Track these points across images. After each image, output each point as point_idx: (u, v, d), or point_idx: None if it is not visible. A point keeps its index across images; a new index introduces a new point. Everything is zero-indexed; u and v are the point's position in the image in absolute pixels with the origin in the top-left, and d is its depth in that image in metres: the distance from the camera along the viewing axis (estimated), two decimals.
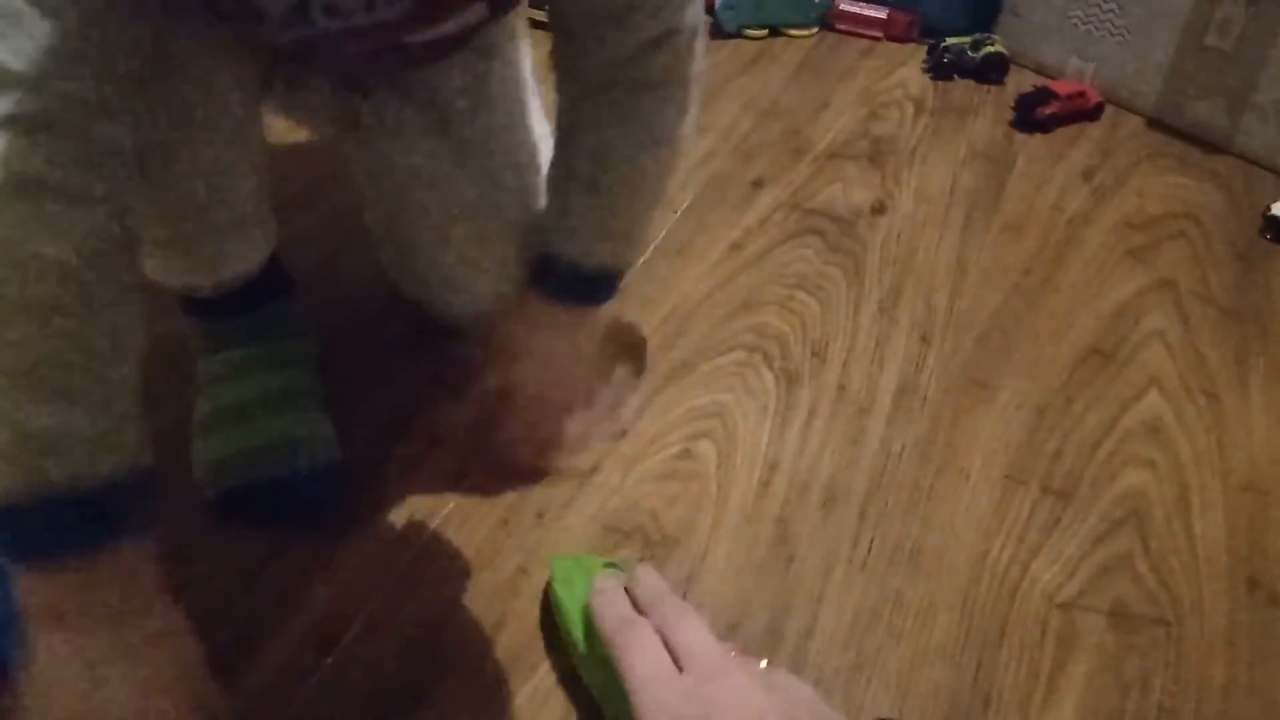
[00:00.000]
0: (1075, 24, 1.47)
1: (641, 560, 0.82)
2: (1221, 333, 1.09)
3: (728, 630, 0.79)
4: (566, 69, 0.81)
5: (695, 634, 0.66)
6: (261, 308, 0.88)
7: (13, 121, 0.56)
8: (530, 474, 0.88)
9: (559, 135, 0.84)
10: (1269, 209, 1.23)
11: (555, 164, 0.85)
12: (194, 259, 0.81)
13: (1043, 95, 1.40)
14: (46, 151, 0.57)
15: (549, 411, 0.88)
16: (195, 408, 0.87)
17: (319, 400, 0.89)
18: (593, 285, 0.87)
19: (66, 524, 0.58)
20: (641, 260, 1.11)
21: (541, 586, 0.80)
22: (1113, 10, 1.43)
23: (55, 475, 0.57)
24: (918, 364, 1.03)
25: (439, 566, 0.81)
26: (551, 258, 0.86)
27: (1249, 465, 0.95)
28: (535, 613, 0.79)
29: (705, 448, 0.93)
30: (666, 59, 0.78)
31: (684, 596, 0.80)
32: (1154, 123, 1.43)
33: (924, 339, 1.06)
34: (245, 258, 0.83)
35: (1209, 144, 1.38)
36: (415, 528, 0.84)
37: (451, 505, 0.86)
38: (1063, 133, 1.40)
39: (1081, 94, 1.41)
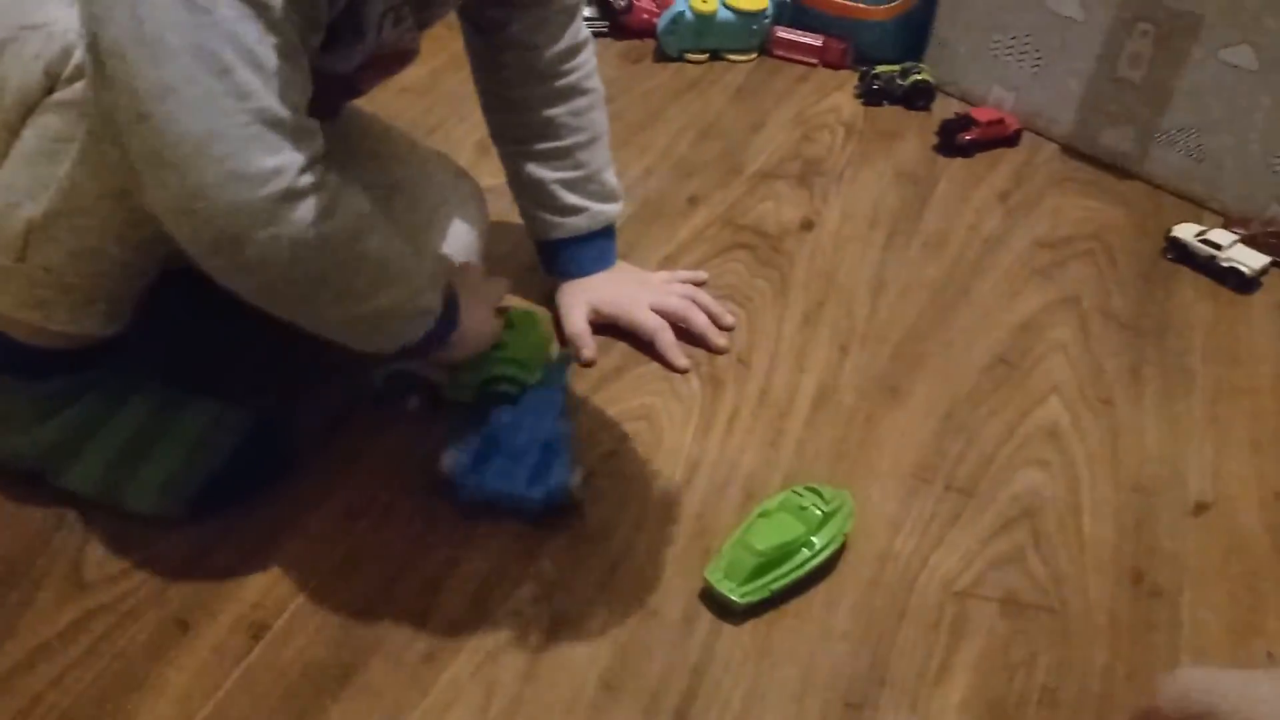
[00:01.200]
0: (997, 55, 1.54)
1: (568, 546, 0.87)
2: (1120, 346, 1.15)
3: (646, 615, 0.83)
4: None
5: None
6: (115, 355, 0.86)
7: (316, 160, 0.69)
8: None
9: (499, 138, 1.06)
10: (1171, 231, 1.30)
11: (512, 168, 1.07)
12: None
13: (964, 122, 1.47)
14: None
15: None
16: (77, 476, 0.85)
17: (189, 395, 0.89)
18: (596, 244, 1.09)
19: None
20: None
21: (468, 579, 0.84)
22: (1031, 43, 1.50)
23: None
24: (836, 371, 1.08)
25: (371, 557, 0.85)
26: (563, 241, 1.08)
27: (1139, 468, 1.01)
28: (462, 602, 0.83)
29: (632, 448, 0.97)
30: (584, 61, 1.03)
31: (605, 586, 0.85)
32: (1068, 149, 1.50)
33: (843, 348, 1.11)
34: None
35: (1119, 169, 1.46)
36: (349, 520, 0.88)
37: (385, 499, 0.90)
38: (983, 157, 1.47)
39: (1001, 121, 1.49)
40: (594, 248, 1.09)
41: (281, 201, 0.66)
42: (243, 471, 0.87)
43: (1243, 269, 1.25)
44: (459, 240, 1.03)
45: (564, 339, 1.07)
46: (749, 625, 0.83)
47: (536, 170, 1.05)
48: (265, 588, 0.82)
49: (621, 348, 1.08)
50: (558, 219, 1.07)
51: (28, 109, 0.73)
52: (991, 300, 1.20)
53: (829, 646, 0.83)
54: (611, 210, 1.09)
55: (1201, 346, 1.17)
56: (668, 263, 1.20)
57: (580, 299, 1.08)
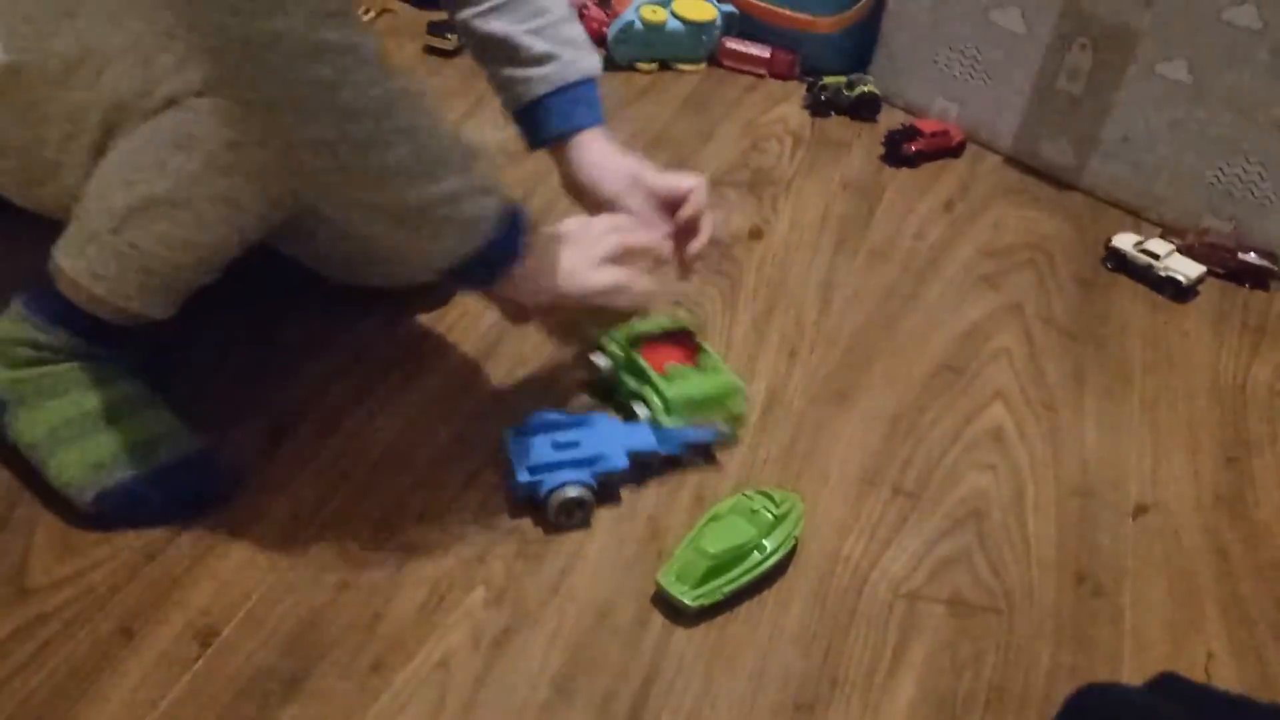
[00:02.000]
0: (941, 68, 1.57)
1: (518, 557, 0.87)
2: (1062, 352, 1.18)
3: (598, 618, 0.83)
4: None
5: None
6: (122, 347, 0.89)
7: None
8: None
9: (457, 8, 0.99)
10: (1111, 241, 1.33)
11: (475, 36, 0.99)
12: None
13: (910, 133, 1.49)
14: None
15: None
16: (19, 426, 0.86)
17: (161, 403, 0.90)
18: (580, 97, 0.98)
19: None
20: None
21: (418, 585, 0.84)
22: (975, 56, 1.53)
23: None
24: (785, 377, 1.09)
25: (320, 563, 0.85)
26: (544, 97, 0.97)
27: (1081, 471, 1.03)
28: (412, 608, 0.82)
29: None
30: None
31: (557, 590, 0.85)
32: (1010, 160, 1.53)
33: (792, 354, 1.12)
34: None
35: (1060, 181, 1.49)
36: (298, 525, 0.87)
37: (335, 504, 0.89)
38: (928, 168, 1.49)
39: (945, 132, 1.51)
40: (577, 102, 0.99)
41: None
42: (162, 491, 0.86)
43: (1179, 278, 1.28)
44: None
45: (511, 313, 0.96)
46: (701, 628, 0.84)
47: (498, 25, 0.98)
48: (213, 594, 0.81)
49: (572, 352, 1.08)
50: (529, 72, 0.98)
51: (173, 100, 0.79)
52: (937, 307, 1.22)
53: (780, 648, 0.83)
54: (588, 60, 0.99)
55: (1140, 353, 1.20)
56: None
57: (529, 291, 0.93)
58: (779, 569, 0.88)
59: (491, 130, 1.43)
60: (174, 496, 0.86)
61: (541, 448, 0.90)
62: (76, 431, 0.85)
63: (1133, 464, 1.05)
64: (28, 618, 0.78)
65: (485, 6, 0.99)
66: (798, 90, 1.64)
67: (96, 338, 0.86)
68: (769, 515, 0.88)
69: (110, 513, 0.85)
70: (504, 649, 0.80)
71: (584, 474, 0.89)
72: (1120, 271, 1.32)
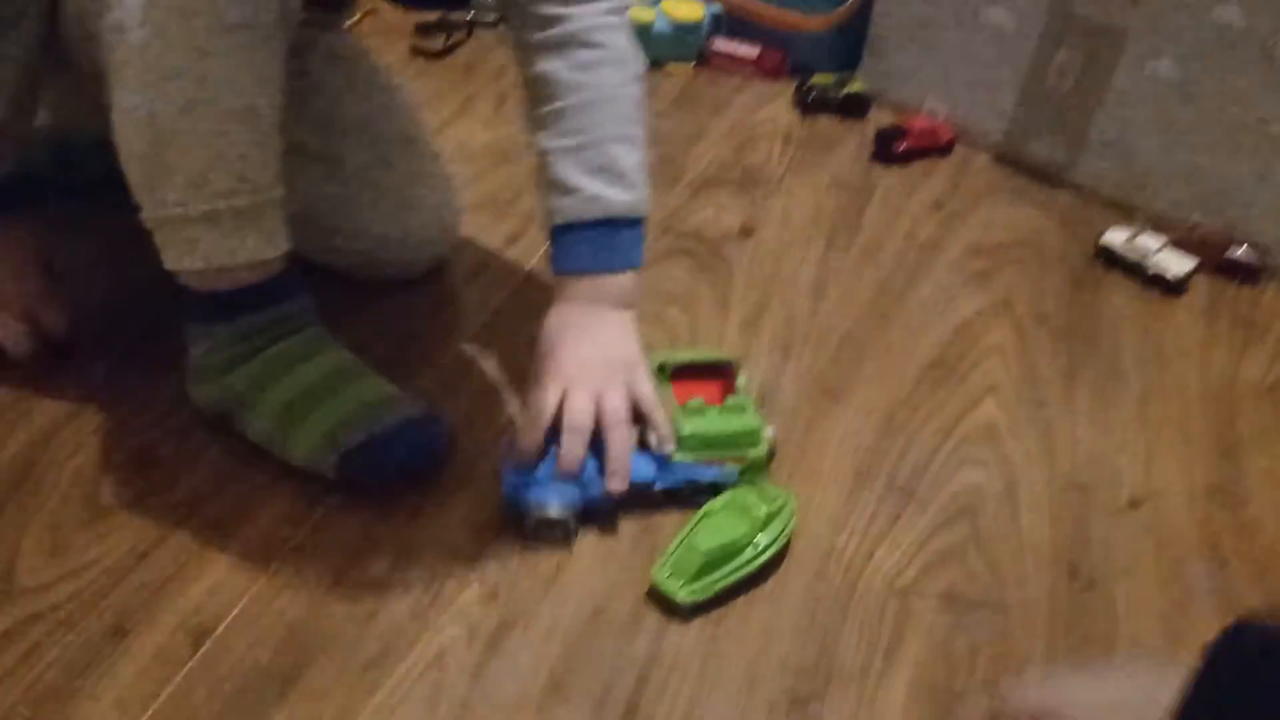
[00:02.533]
0: (930, 66, 1.57)
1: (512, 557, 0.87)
2: (1053, 349, 1.18)
3: (593, 615, 0.83)
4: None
5: None
6: (286, 302, 0.89)
7: None
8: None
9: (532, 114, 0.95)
10: (1101, 237, 1.34)
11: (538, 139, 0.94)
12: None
13: (899, 131, 1.49)
14: None
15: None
16: (250, 421, 0.89)
17: (369, 369, 0.92)
18: (594, 239, 0.91)
19: None
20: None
21: (413, 581, 0.84)
22: (964, 54, 1.53)
23: None
24: (777, 374, 1.09)
25: (314, 561, 0.84)
26: (557, 230, 0.93)
27: (1073, 466, 1.03)
28: (408, 606, 0.82)
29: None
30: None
31: (551, 586, 0.85)
32: (1000, 158, 1.53)
33: (784, 352, 1.12)
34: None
35: (1049, 178, 1.49)
36: (291, 522, 0.87)
37: (329, 501, 0.89)
38: (917, 166, 1.50)
39: (934, 131, 1.51)
40: (589, 243, 0.92)
41: None
42: (400, 450, 0.87)
43: (1170, 274, 1.29)
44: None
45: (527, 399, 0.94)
46: (695, 624, 0.84)
47: (541, 140, 0.92)
48: (206, 593, 0.81)
49: None
50: (554, 200, 0.92)
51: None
52: (928, 305, 1.22)
53: (774, 643, 0.83)
54: (614, 197, 0.90)
55: (1132, 348, 1.20)
56: None
57: (559, 371, 0.90)
58: (773, 565, 0.88)
59: (481, 130, 1.43)
60: (408, 456, 0.88)
61: (538, 459, 0.89)
62: (300, 411, 0.87)
63: (1125, 459, 1.05)
64: (18, 618, 0.77)
65: (534, 112, 0.94)
66: (787, 89, 1.64)
67: (258, 312, 0.87)
68: (762, 511, 0.88)
69: (355, 478, 0.87)
70: (499, 646, 0.80)
71: (571, 493, 0.88)
72: (1111, 267, 1.33)
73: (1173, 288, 1.29)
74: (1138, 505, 1.00)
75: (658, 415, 0.91)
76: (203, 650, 0.77)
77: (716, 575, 0.84)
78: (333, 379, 0.89)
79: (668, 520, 0.91)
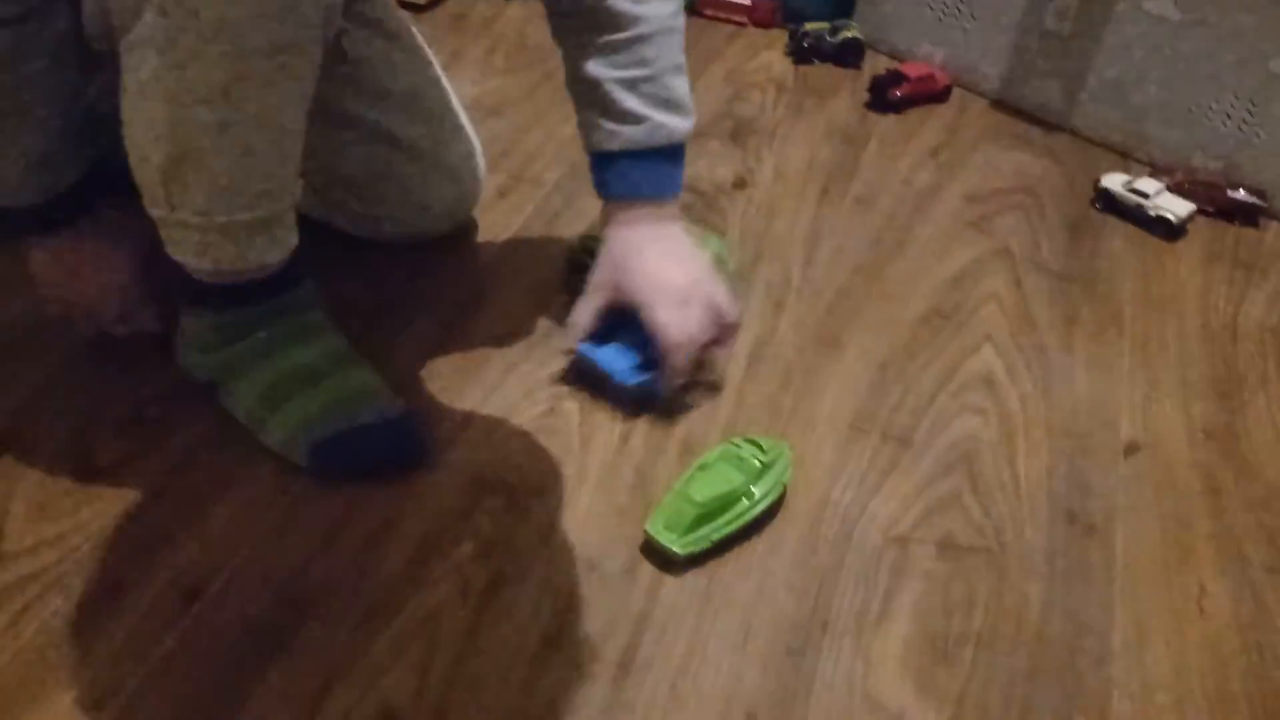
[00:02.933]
0: (926, 11, 1.55)
1: (507, 510, 0.86)
2: (1052, 295, 1.17)
3: (587, 569, 0.83)
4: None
5: None
6: (285, 293, 0.88)
7: None
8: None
9: (560, 35, 0.95)
10: (1099, 181, 1.32)
11: (571, 69, 0.95)
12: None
13: (895, 78, 1.47)
14: None
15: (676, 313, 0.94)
16: (232, 399, 0.89)
17: (360, 360, 0.92)
18: (655, 165, 0.94)
19: None
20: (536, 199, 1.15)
21: (406, 538, 0.83)
22: None
23: None
24: (773, 325, 1.08)
25: (306, 519, 0.84)
26: (613, 156, 0.94)
27: (1071, 412, 1.02)
28: (401, 562, 0.82)
29: (569, 406, 0.97)
30: None
31: (545, 541, 0.84)
32: (997, 103, 1.51)
33: (779, 303, 1.11)
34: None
35: (1047, 123, 1.47)
36: (283, 482, 0.86)
37: None
38: (913, 113, 1.47)
39: (930, 77, 1.49)
40: (650, 169, 0.95)
41: None
42: (371, 448, 0.87)
43: (1169, 217, 1.27)
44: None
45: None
46: (690, 575, 0.83)
47: (594, 68, 0.92)
48: (198, 551, 0.81)
49: (559, 304, 1.06)
50: (613, 126, 0.93)
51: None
52: (925, 253, 1.21)
53: (770, 594, 0.83)
54: (676, 125, 0.94)
55: (1131, 293, 1.19)
56: None
57: (609, 277, 0.96)
58: (768, 516, 0.88)
59: (469, 85, 1.41)
60: (379, 454, 0.87)
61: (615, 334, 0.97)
62: (284, 393, 0.87)
63: (1124, 403, 1.04)
64: (8, 581, 0.77)
65: (589, 41, 0.93)
66: (780, 38, 1.62)
67: (258, 304, 0.86)
68: (756, 463, 0.87)
69: (325, 470, 0.86)
70: (493, 601, 0.80)
71: (622, 363, 0.95)
72: (1109, 212, 1.31)
73: (1172, 231, 1.28)
74: (1136, 449, 0.99)
75: (735, 325, 0.98)
76: (195, 608, 0.77)
77: (712, 527, 0.84)
78: (320, 366, 0.88)
79: (661, 473, 0.91)
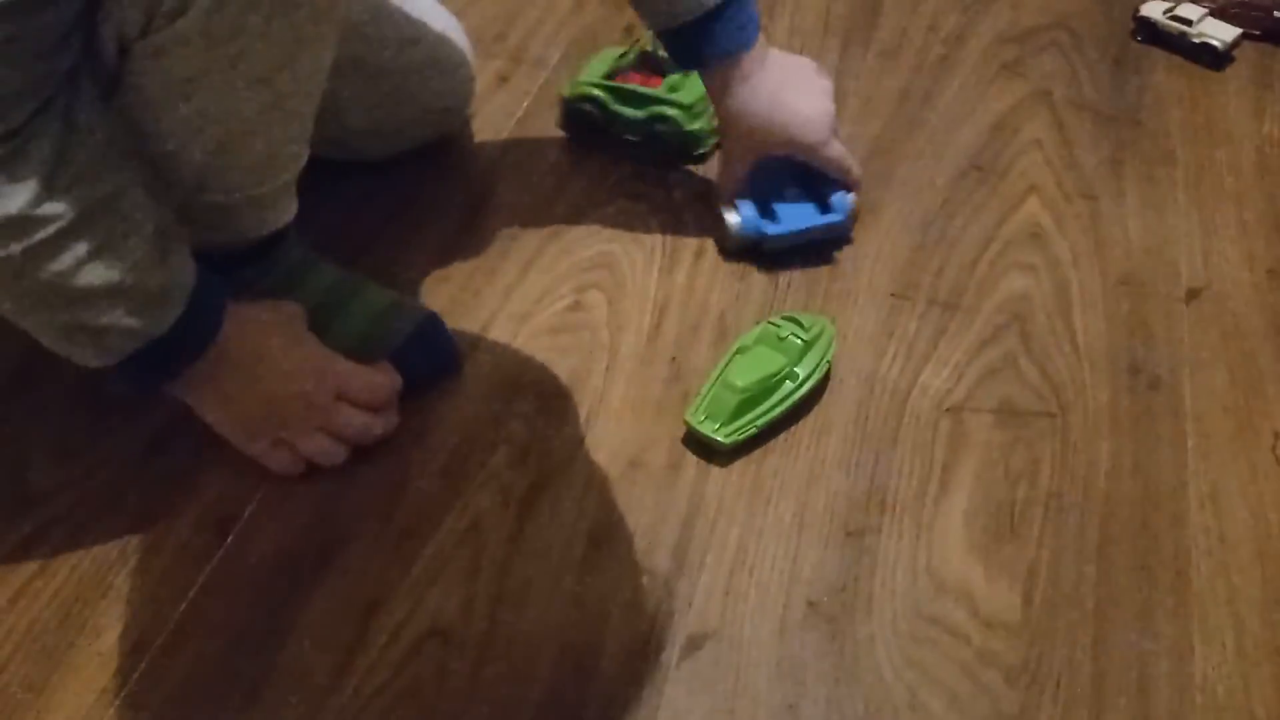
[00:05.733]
0: None
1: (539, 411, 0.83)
2: (1097, 137, 1.10)
3: (629, 467, 0.79)
4: None
5: None
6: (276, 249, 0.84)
7: None
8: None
9: None
10: (1139, 10, 1.24)
11: None
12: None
13: None
14: None
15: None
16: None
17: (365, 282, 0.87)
18: (742, 6, 0.90)
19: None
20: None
21: (438, 451, 0.80)
22: None
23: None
24: None
25: None
26: (692, 25, 0.89)
27: (1126, 260, 0.97)
28: (435, 476, 0.79)
29: (594, 297, 0.92)
30: None
31: (582, 442, 0.81)
32: None
33: None
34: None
35: None
36: None
37: None
38: None
39: None
40: (732, 20, 0.90)
41: None
42: (414, 359, 0.83)
43: (1215, 43, 1.19)
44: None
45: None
46: (737, 465, 0.80)
47: None
48: (227, 480, 0.78)
49: (572, 193, 1.01)
50: None
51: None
52: (958, 104, 1.14)
53: (823, 477, 0.79)
54: None
55: (1180, 129, 1.12)
56: None
57: (746, 142, 0.95)
58: (814, 397, 0.84)
59: None
60: (424, 361, 0.84)
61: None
62: (318, 327, 0.81)
63: (1181, 246, 0.98)
64: (35, 524, 0.75)
65: None
66: None
67: (262, 255, 0.83)
68: (798, 341, 0.83)
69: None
70: (534, 507, 0.77)
71: (794, 215, 0.95)
72: (1151, 43, 1.23)
73: (1219, 58, 1.20)
74: (1198, 294, 0.94)
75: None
76: (230, 539, 0.74)
77: (755, 413, 0.80)
78: (330, 300, 0.83)
79: (698, 360, 0.87)
